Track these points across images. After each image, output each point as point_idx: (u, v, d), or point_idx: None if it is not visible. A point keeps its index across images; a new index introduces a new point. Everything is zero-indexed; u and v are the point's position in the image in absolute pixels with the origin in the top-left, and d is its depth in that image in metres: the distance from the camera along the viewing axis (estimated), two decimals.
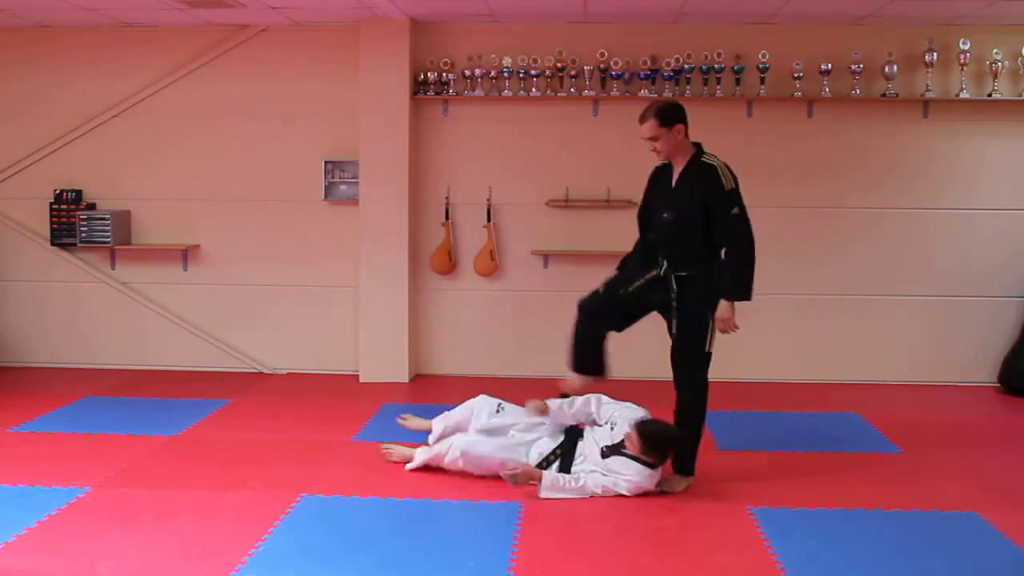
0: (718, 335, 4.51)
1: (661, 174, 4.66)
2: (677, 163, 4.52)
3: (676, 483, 4.58)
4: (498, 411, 4.82)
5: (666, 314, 4.59)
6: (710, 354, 4.53)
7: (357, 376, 6.91)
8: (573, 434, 4.68)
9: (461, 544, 3.89)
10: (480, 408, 4.85)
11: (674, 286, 4.50)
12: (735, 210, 4.33)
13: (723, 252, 4.42)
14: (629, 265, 4.78)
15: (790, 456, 5.11)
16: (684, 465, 4.60)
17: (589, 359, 4.72)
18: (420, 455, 4.79)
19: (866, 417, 5.91)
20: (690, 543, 3.94)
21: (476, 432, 4.73)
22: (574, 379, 4.76)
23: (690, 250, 4.44)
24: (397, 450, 4.92)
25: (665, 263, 4.54)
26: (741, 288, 4.34)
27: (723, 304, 4.38)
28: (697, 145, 4.53)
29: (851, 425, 5.77)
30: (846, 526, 4.10)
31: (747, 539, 3.96)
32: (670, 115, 4.41)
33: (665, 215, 4.53)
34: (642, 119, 4.44)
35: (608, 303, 4.69)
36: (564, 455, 4.57)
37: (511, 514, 4.19)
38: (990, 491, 4.57)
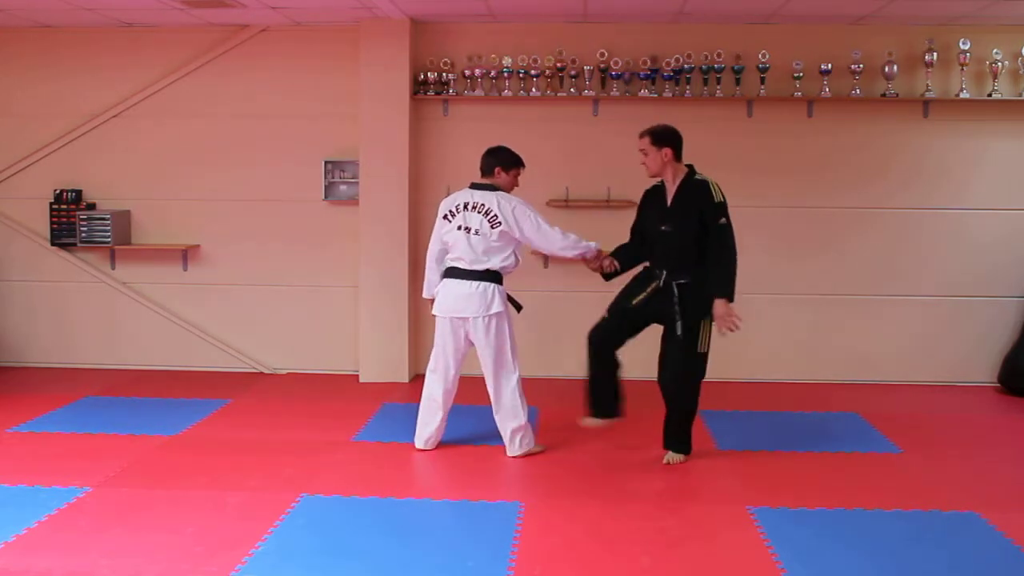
0: (715, 334, 4.86)
1: (653, 194, 5.00)
2: (669, 182, 4.90)
3: (670, 457, 4.97)
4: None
5: (667, 321, 4.88)
6: (706, 353, 4.88)
7: (357, 376, 6.91)
8: None
9: (461, 544, 3.89)
10: None
11: (676, 293, 4.82)
12: (723, 220, 4.77)
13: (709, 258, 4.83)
14: (623, 255, 5.13)
15: (790, 456, 5.12)
16: (672, 442, 4.99)
17: (606, 402, 5.02)
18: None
19: (866, 417, 5.91)
20: (690, 543, 3.94)
21: None
22: (591, 421, 5.03)
23: (688, 258, 4.82)
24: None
25: (665, 273, 4.86)
26: (729, 287, 4.77)
27: (719, 303, 4.75)
28: (690, 166, 4.90)
29: (851, 425, 5.77)
30: (846, 526, 4.10)
31: (747, 539, 3.95)
32: (662, 138, 4.83)
33: (664, 228, 4.89)
34: (641, 134, 4.89)
35: (616, 327, 4.98)
36: None
37: (511, 514, 4.19)
38: (990, 491, 4.57)
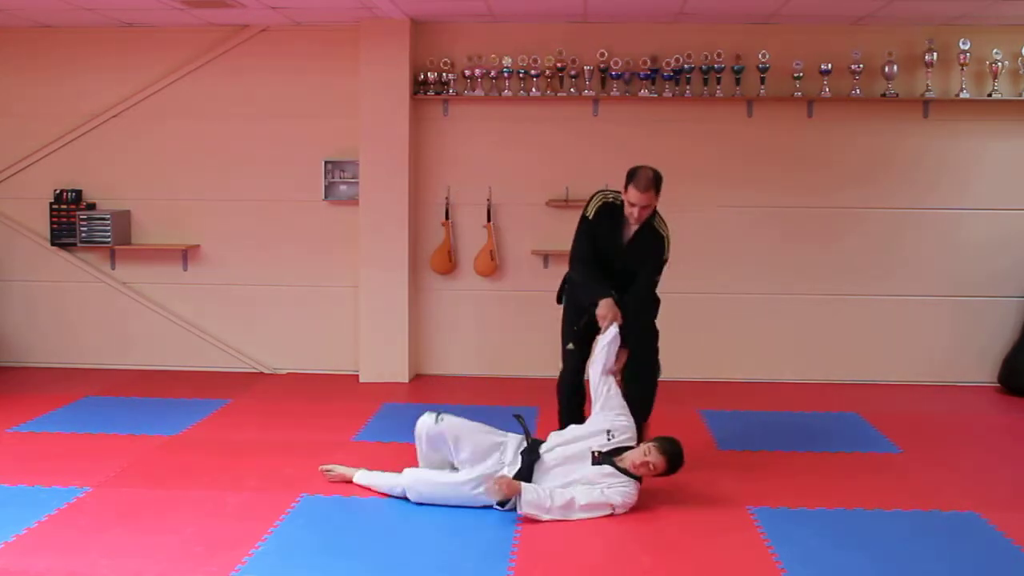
0: None
1: (609, 218, 4.69)
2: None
3: None
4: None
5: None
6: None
7: (357, 376, 6.91)
8: (529, 459, 4.26)
9: (461, 544, 3.89)
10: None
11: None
12: (656, 277, 4.76)
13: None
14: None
15: (790, 456, 5.11)
16: None
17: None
18: (363, 477, 4.54)
19: (866, 417, 5.91)
20: (690, 543, 3.94)
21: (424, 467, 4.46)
22: None
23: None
24: (337, 470, 4.58)
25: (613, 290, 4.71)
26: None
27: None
28: None
29: (851, 425, 5.77)
30: (846, 526, 4.10)
31: (747, 539, 3.95)
32: (661, 186, 4.57)
33: (617, 265, 4.72)
34: (645, 188, 4.48)
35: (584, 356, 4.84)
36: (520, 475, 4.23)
37: (511, 514, 4.19)
38: (990, 491, 4.57)
